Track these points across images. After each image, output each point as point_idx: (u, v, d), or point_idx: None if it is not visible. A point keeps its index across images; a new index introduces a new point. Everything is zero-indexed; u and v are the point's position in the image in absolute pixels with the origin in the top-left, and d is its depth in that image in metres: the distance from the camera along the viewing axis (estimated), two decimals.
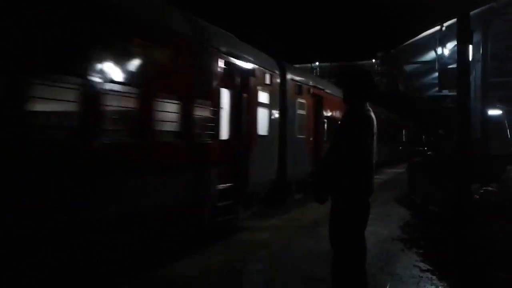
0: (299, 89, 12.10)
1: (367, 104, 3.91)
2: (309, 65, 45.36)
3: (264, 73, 10.07)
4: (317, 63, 47.47)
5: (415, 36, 20.82)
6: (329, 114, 14.96)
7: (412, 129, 40.24)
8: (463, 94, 7.20)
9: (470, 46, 7.46)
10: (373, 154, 3.83)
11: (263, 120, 10.07)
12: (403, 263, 6.38)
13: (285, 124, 11.26)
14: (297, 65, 20.98)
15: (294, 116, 11.92)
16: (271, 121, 10.49)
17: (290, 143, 11.48)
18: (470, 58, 7.80)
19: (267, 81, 10.17)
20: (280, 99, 11.07)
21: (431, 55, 21.29)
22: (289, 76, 11.51)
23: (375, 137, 3.85)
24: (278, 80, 10.98)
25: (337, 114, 15.79)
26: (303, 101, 12.52)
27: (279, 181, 11.07)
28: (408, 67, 28.37)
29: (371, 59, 44.78)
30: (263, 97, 10.05)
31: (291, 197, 12.12)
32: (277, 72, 10.88)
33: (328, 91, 14.97)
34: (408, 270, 5.98)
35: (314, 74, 37.88)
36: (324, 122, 14.47)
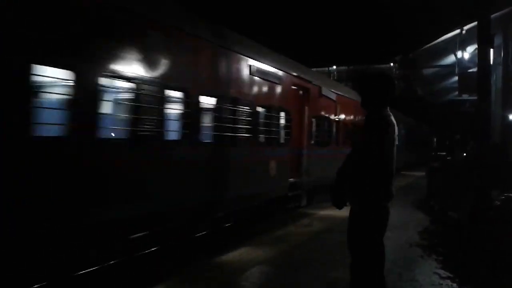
0: None
1: (388, 109, 3.86)
2: (326, 68, 45.12)
3: None
4: (334, 67, 47.20)
5: (434, 40, 20.61)
6: None
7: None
8: (483, 98, 7.12)
9: (491, 50, 7.37)
10: (393, 160, 3.79)
11: None
12: (422, 269, 6.30)
13: None
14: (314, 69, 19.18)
15: None
16: None
17: None
18: (491, 62, 7.69)
19: None
20: None
21: (450, 58, 21.04)
22: None
23: (396, 142, 3.80)
24: None
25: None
26: None
27: None
28: (427, 71, 28.05)
29: (389, 63, 44.36)
30: None
31: None
32: None
33: None
34: (427, 277, 5.90)
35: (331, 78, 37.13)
36: None
